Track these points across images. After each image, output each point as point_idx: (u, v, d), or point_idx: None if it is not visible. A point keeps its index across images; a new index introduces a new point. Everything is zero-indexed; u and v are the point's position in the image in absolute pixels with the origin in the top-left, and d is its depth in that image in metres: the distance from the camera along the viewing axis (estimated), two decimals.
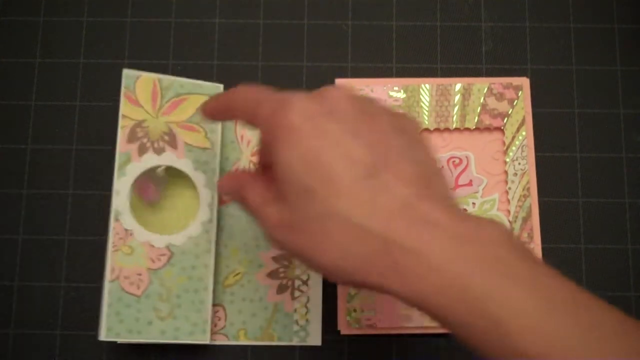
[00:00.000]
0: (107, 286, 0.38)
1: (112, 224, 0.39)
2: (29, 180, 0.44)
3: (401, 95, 0.44)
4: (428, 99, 0.44)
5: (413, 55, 0.46)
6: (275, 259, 0.43)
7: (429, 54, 0.46)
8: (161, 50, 0.46)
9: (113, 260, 0.38)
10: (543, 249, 0.43)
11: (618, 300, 0.42)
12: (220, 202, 0.43)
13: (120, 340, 0.38)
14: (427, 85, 0.44)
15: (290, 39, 0.46)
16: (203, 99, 0.42)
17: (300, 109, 0.27)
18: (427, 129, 0.44)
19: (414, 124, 0.31)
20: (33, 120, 0.45)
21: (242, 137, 0.44)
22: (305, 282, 0.43)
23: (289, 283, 0.43)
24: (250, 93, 0.31)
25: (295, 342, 0.42)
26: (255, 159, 0.35)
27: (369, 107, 0.29)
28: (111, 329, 0.38)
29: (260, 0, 0.47)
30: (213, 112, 0.34)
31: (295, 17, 0.47)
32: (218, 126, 0.42)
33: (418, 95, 0.44)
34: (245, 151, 0.44)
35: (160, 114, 0.41)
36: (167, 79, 0.42)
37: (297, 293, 0.42)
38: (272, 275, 0.43)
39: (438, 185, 0.28)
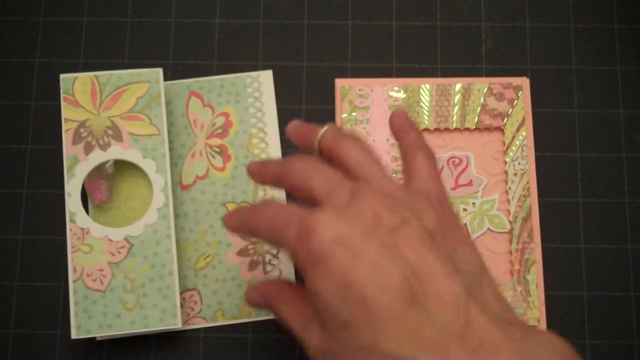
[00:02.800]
0: (71, 286, 0.39)
1: (68, 225, 0.40)
2: (29, 180, 0.44)
3: (401, 95, 0.44)
4: (428, 99, 0.44)
5: (413, 55, 0.46)
6: (243, 236, 0.43)
7: (429, 54, 0.46)
8: (161, 50, 0.46)
9: (74, 261, 0.40)
10: (543, 249, 0.43)
11: (618, 300, 0.42)
12: (182, 187, 0.43)
13: (91, 335, 0.39)
14: (427, 85, 0.44)
15: (290, 39, 0.46)
16: (143, 86, 0.42)
17: (326, 233, 0.26)
18: (427, 129, 0.44)
19: (448, 211, 0.29)
20: (33, 121, 0.45)
21: (194, 121, 0.44)
22: (275, 256, 0.43)
23: (260, 259, 0.43)
24: (273, 213, 0.28)
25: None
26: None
27: (401, 211, 0.27)
28: (80, 326, 0.39)
29: (260, 0, 0.47)
30: (235, 228, 0.32)
31: (295, 17, 0.47)
32: (162, 111, 0.42)
33: (418, 95, 0.44)
34: (200, 135, 0.44)
35: (101, 110, 0.41)
36: (104, 74, 0.42)
37: (268, 267, 0.43)
38: (241, 252, 0.43)
39: (485, 293, 0.26)
